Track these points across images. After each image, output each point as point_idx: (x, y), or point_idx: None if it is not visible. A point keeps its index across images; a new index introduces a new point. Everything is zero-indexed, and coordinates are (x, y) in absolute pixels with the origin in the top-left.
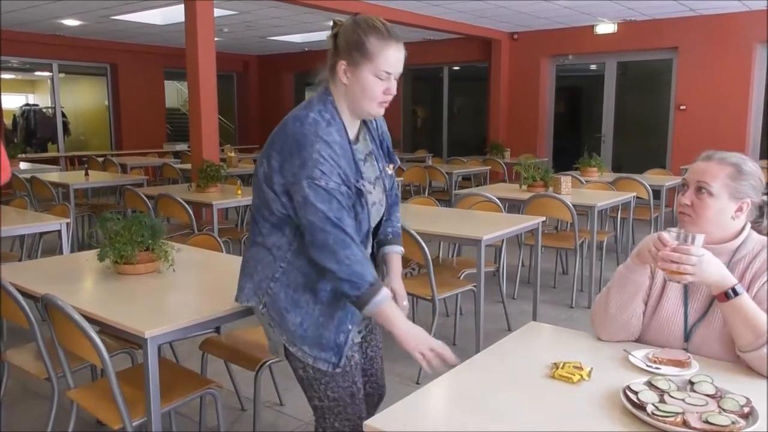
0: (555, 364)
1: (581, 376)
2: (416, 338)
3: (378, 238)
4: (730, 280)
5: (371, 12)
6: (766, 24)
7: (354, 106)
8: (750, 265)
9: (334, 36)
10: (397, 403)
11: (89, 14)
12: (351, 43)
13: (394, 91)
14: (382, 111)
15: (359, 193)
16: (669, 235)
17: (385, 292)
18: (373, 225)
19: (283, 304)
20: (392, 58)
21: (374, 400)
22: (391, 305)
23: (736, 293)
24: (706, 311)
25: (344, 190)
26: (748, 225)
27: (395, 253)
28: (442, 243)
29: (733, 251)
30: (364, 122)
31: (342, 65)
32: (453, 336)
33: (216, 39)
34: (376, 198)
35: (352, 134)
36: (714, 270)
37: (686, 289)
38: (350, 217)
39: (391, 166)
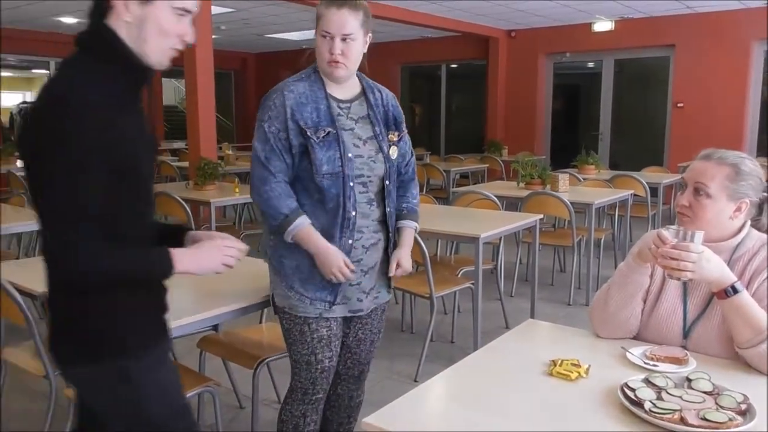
0: (553, 361)
1: (579, 373)
2: (329, 261)
3: (396, 212)
4: (729, 277)
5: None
6: (762, 21)
7: (320, 68)
8: (750, 263)
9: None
10: (395, 400)
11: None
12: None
13: (336, 51)
14: (337, 71)
15: (327, 134)
16: (668, 233)
17: (298, 222)
18: (355, 173)
19: (280, 251)
20: (333, 19)
21: (355, 374)
22: (306, 232)
23: (735, 291)
24: (704, 309)
25: (282, 137)
26: (748, 223)
27: (408, 227)
28: (440, 241)
29: (733, 249)
30: (364, 92)
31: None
32: (451, 333)
33: (213, 36)
34: (364, 152)
35: (341, 94)
36: (714, 267)
37: (685, 286)
38: (282, 160)
39: (396, 134)
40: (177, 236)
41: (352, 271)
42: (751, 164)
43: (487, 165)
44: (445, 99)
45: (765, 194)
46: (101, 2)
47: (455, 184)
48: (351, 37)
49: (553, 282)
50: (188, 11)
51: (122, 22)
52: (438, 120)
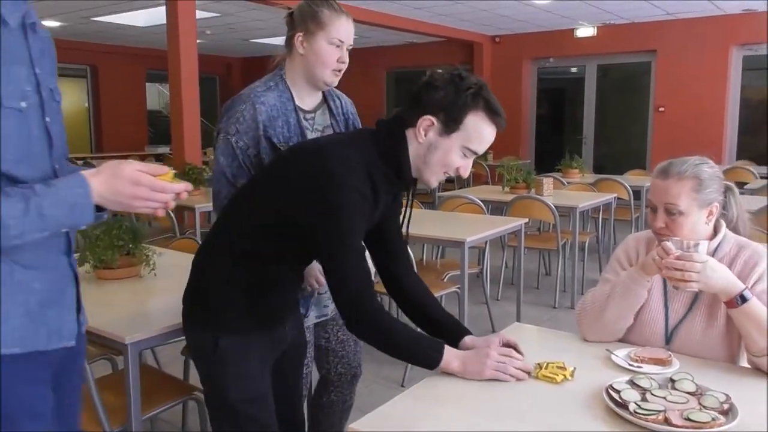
0: (539, 364)
1: (564, 376)
2: (307, 273)
3: None
4: (737, 285)
5: (353, 13)
6: (741, 27)
7: (310, 75)
8: (731, 268)
9: (290, 14)
10: (382, 405)
11: (70, 15)
12: (306, 15)
13: (346, 60)
14: (335, 80)
15: None
16: (672, 244)
17: None
18: None
19: None
20: (343, 28)
21: (348, 379)
22: None
23: (744, 299)
24: (687, 312)
25: (251, 153)
26: (723, 225)
27: None
28: (425, 245)
29: (711, 254)
30: (325, 100)
31: (299, 37)
32: None
33: (198, 41)
34: None
35: (307, 104)
36: (719, 277)
37: (666, 292)
38: (250, 177)
39: None
40: (454, 334)
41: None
42: (708, 168)
43: (473, 169)
44: None
45: (727, 185)
46: (411, 116)
47: (440, 188)
48: (351, 46)
49: (538, 285)
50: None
51: (415, 142)
52: None
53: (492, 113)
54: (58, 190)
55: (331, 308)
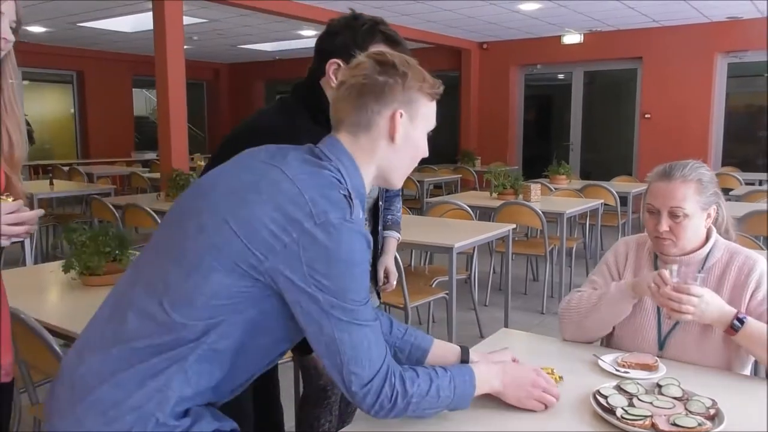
0: None
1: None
2: None
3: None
4: (729, 312)
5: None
6: (725, 35)
7: None
8: (724, 276)
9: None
10: None
11: (55, 21)
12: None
13: None
14: None
15: None
16: (668, 273)
17: None
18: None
19: None
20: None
21: None
22: None
23: (741, 322)
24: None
25: None
26: (714, 230)
27: (392, 237)
28: (413, 251)
29: (704, 259)
30: None
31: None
32: None
33: (186, 47)
34: None
35: None
36: (714, 309)
37: None
38: None
39: None
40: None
41: None
42: (707, 171)
43: (461, 175)
44: None
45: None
46: (319, 67)
47: (429, 194)
48: None
49: (526, 291)
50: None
51: (329, 88)
52: None
53: (391, 43)
54: None
55: None
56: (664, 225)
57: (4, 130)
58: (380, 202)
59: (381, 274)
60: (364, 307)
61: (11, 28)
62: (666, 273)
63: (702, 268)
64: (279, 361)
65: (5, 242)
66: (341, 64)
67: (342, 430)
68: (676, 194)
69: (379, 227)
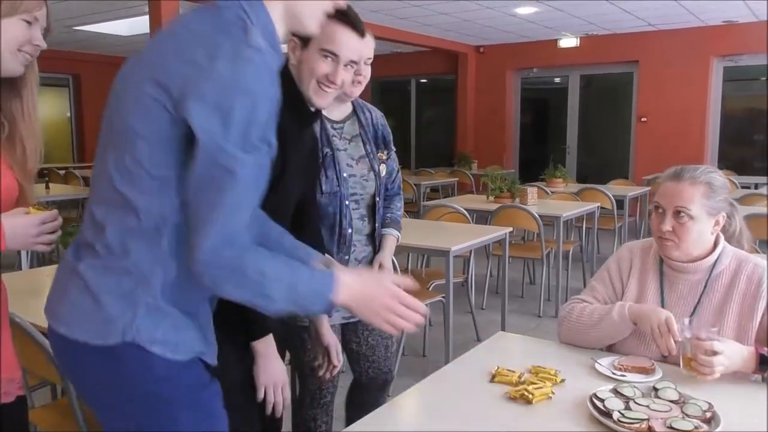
0: (528, 370)
1: (553, 381)
2: None
3: (378, 222)
4: (750, 354)
5: None
6: (721, 39)
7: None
8: (733, 285)
9: None
10: (367, 415)
11: (51, 24)
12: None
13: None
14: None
15: (326, 155)
16: (678, 327)
17: None
18: (349, 191)
19: None
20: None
21: (378, 383)
22: None
23: (765, 360)
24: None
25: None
26: (722, 238)
27: (390, 235)
28: (410, 254)
29: (711, 267)
30: (355, 112)
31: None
32: (423, 347)
33: None
34: (357, 172)
35: (335, 115)
36: (737, 358)
37: (664, 303)
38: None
39: (385, 153)
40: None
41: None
42: (720, 177)
43: (457, 178)
44: (415, 113)
45: (730, 201)
46: None
47: (425, 197)
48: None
49: (523, 294)
50: (333, 53)
51: (294, 69)
52: (408, 134)
53: (344, 19)
54: None
55: None
56: (668, 225)
57: (19, 139)
58: (377, 199)
59: (375, 267)
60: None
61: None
62: (675, 327)
63: (709, 276)
64: (332, 372)
65: (45, 248)
66: (297, 41)
67: (344, 429)
68: (682, 194)
69: (377, 225)
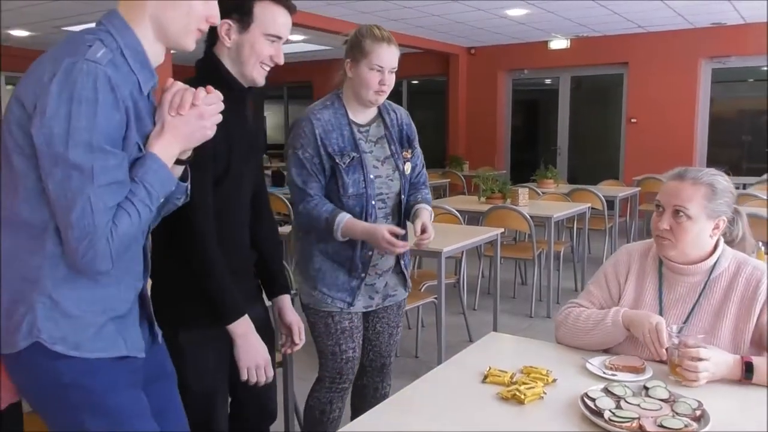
0: (518, 373)
1: (545, 381)
2: (376, 239)
3: (410, 204)
4: (735, 363)
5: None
6: (710, 41)
7: (357, 95)
8: (731, 287)
9: (344, 42)
10: (360, 416)
11: (39, 25)
12: (353, 45)
13: (387, 82)
14: (379, 98)
15: (353, 159)
16: (667, 332)
17: (339, 218)
18: (375, 192)
19: (305, 257)
20: (384, 55)
21: (377, 366)
22: (349, 224)
23: (750, 368)
24: (682, 326)
25: (316, 162)
26: (722, 241)
27: (423, 207)
28: None
29: (710, 270)
30: (380, 114)
31: (347, 63)
32: (415, 348)
33: (172, 51)
34: (382, 172)
35: (361, 119)
36: (723, 365)
37: (662, 305)
38: (318, 180)
39: (409, 151)
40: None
41: (400, 236)
42: (724, 181)
43: (449, 180)
44: None
45: (736, 208)
46: (211, 34)
47: None
48: (395, 70)
49: (514, 295)
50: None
51: (225, 49)
52: None
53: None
54: None
55: (375, 300)
56: (665, 223)
57: None
58: (402, 197)
59: (418, 227)
60: None
61: None
62: (665, 333)
63: (708, 278)
64: (293, 348)
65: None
66: (232, 24)
67: (339, 430)
68: (682, 194)
69: (401, 220)
